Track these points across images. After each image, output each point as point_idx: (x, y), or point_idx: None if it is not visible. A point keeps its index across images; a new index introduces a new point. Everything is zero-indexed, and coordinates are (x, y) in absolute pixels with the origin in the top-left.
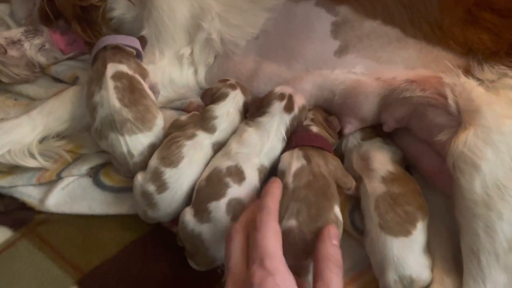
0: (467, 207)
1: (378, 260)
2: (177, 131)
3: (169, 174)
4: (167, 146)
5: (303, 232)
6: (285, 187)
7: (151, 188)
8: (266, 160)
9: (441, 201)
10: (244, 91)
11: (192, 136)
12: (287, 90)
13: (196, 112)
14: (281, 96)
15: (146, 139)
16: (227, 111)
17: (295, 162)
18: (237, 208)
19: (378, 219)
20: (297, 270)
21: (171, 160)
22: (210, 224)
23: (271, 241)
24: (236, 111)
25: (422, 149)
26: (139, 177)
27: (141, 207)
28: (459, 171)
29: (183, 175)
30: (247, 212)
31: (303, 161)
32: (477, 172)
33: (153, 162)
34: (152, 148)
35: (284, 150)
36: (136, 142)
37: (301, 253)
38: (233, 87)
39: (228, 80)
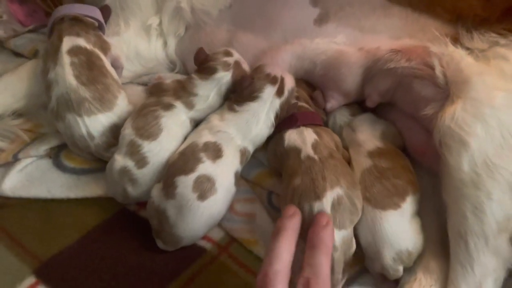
0: (454, 187)
1: (370, 240)
2: (154, 97)
3: (148, 147)
4: (143, 115)
5: (351, 198)
6: (309, 159)
7: (129, 163)
8: (250, 144)
9: (427, 181)
10: (237, 72)
11: (169, 107)
12: (277, 71)
13: (181, 79)
14: (274, 80)
15: (106, 119)
16: (208, 94)
17: (308, 137)
18: (205, 186)
19: (364, 192)
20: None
21: (150, 132)
22: (174, 201)
23: None
24: (217, 96)
25: (408, 124)
26: (117, 156)
27: (120, 185)
28: (446, 148)
29: (163, 149)
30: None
31: (315, 136)
32: (465, 149)
33: (127, 132)
34: (115, 129)
35: (277, 130)
36: (95, 123)
37: (353, 218)
38: (225, 67)
39: (230, 55)
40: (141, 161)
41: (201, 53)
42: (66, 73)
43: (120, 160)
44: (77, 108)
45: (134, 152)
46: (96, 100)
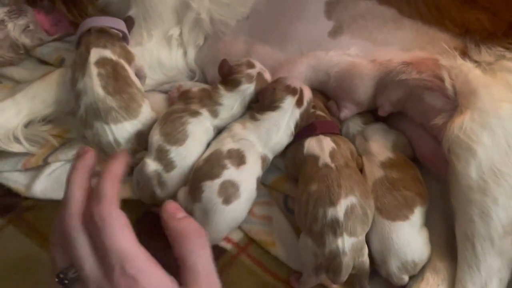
0: (462, 193)
1: (378, 248)
2: (181, 104)
3: (176, 152)
4: (170, 121)
5: (364, 207)
6: (326, 167)
7: (159, 167)
8: (270, 152)
9: (436, 186)
10: (259, 86)
11: (195, 114)
12: (296, 83)
13: (207, 87)
14: (294, 91)
15: (132, 127)
16: (232, 105)
17: (326, 145)
18: (229, 191)
19: (375, 202)
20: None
21: (177, 138)
22: (201, 204)
23: (123, 239)
24: (240, 106)
25: (418, 133)
26: (148, 160)
27: (149, 187)
28: (454, 156)
29: (189, 154)
30: (79, 201)
31: (332, 145)
32: (473, 157)
33: (156, 138)
34: (140, 135)
35: (296, 139)
36: (122, 130)
37: (364, 227)
38: (249, 79)
39: (253, 67)
40: (169, 165)
41: (225, 65)
42: (94, 83)
43: (151, 164)
44: (105, 117)
45: (163, 157)
46: (122, 108)
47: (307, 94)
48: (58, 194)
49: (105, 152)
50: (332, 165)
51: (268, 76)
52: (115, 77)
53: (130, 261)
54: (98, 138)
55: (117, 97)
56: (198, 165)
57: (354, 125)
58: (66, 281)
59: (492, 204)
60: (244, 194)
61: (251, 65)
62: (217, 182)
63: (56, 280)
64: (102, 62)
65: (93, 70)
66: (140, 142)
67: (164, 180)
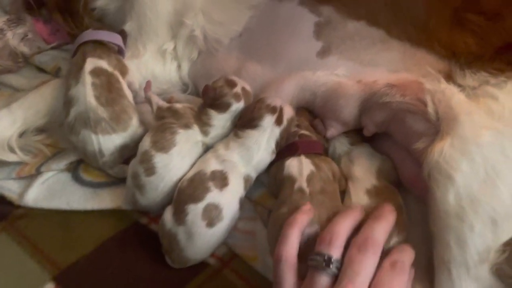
0: (440, 217)
1: None
2: (171, 118)
3: (159, 158)
4: (161, 131)
5: None
6: (300, 191)
7: (140, 169)
8: (253, 171)
9: (417, 209)
10: (247, 100)
11: (186, 126)
12: (277, 102)
13: (192, 106)
14: (273, 109)
15: (119, 140)
16: (224, 125)
17: (305, 168)
18: (213, 214)
19: None
20: None
21: (163, 145)
22: (185, 227)
23: None
24: (231, 124)
25: (401, 155)
26: (132, 162)
27: (130, 189)
28: (433, 181)
29: (172, 163)
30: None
31: (312, 167)
32: (451, 184)
33: (145, 144)
34: (124, 149)
35: (278, 157)
36: (108, 142)
37: None
38: (237, 98)
39: (235, 85)
40: (150, 170)
41: (209, 91)
42: (87, 93)
43: (132, 166)
44: (94, 126)
45: (145, 160)
46: (113, 120)
47: (288, 113)
48: (49, 204)
49: (87, 158)
50: (307, 190)
51: (249, 88)
52: (109, 89)
53: None
54: (83, 145)
55: (109, 108)
56: (182, 186)
57: (341, 146)
58: (324, 263)
59: (468, 231)
60: (227, 216)
61: (233, 84)
62: (200, 206)
63: (316, 254)
64: (97, 72)
65: (88, 79)
66: (123, 155)
67: (143, 184)
